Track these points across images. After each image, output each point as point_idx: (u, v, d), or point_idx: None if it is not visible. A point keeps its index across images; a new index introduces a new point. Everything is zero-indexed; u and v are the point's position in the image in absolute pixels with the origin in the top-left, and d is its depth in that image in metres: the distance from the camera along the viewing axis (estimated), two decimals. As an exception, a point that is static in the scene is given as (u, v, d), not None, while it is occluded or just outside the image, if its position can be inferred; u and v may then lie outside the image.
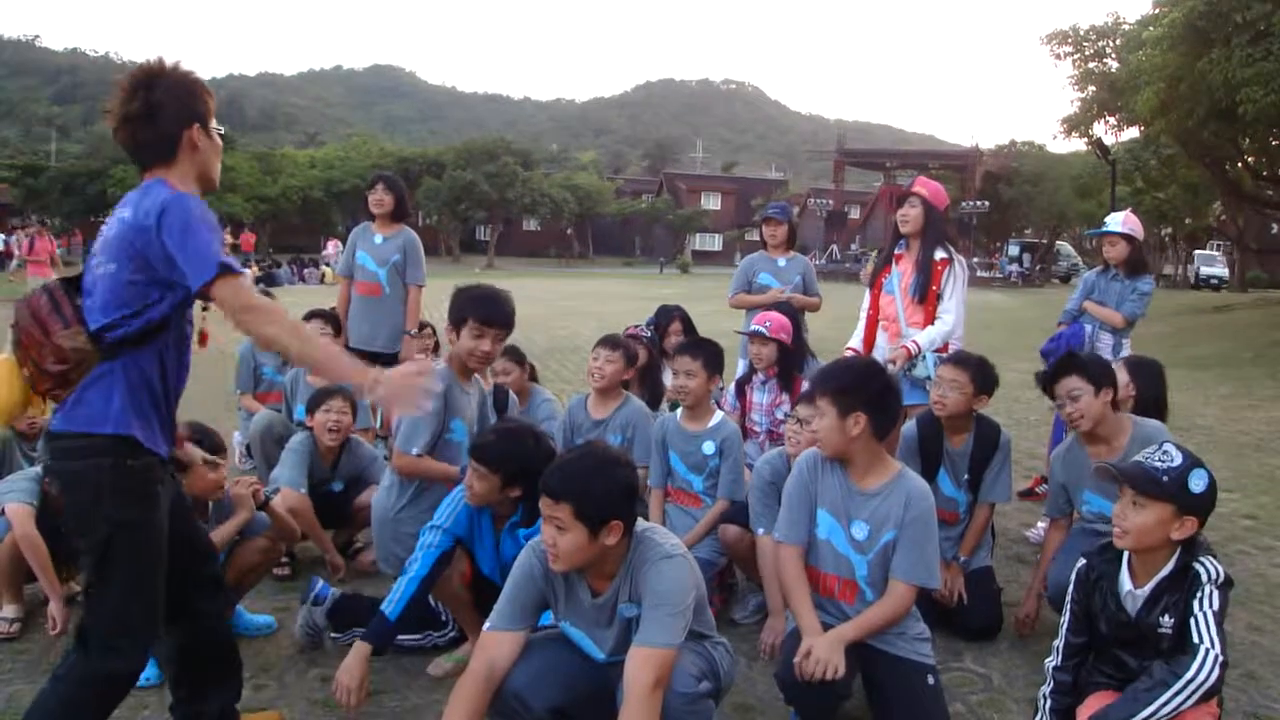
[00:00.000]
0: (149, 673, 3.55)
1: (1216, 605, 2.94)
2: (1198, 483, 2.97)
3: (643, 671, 2.76)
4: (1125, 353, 6.42)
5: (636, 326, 6.08)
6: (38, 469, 4.32)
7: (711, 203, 77.62)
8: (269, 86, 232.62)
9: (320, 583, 4.23)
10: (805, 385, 5.51)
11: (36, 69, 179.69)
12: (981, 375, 4.57)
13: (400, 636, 3.98)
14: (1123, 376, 5.17)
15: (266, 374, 7.14)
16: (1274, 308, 23.54)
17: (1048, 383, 4.42)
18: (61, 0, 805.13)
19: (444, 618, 4.17)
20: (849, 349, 5.79)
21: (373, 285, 6.67)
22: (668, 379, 6.23)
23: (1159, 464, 3.01)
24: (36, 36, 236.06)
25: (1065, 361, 4.42)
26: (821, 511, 3.48)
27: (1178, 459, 3.01)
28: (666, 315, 6.65)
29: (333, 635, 4.19)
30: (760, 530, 4.37)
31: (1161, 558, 3.03)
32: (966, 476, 4.65)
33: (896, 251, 5.68)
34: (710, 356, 4.90)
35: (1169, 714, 2.86)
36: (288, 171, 60.80)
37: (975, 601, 4.45)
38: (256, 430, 5.82)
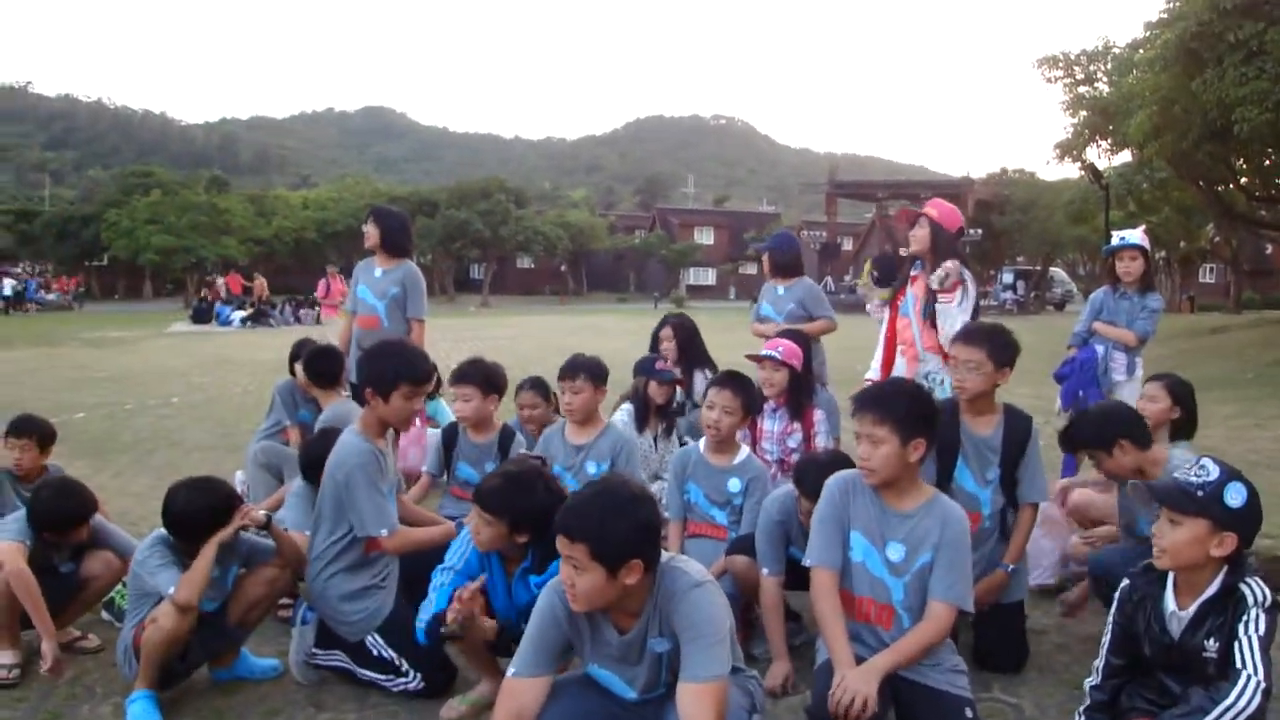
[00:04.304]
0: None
1: (1263, 629, 2.84)
2: (1235, 497, 2.88)
3: (702, 708, 2.64)
4: (1139, 372, 6.34)
5: (664, 361, 6.01)
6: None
7: (704, 237, 77.76)
8: (262, 129, 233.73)
9: (305, 605, 4.18)
10: (818, 414, 5.44)
11: (29, 115, 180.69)
12: (998, 348, 4.18)
13: (365, 671, 4.00)
14: (1164, 398, 5.01)
15: (304, 416, 6.83)
16: (1270, 328, 23.52)
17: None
18: (54, 46, 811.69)
19: (404, 667, 3.97)
20: (868, 379, 5.67)
21: (371, 318, 6.59)
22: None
23: (1194, 479, 2.92)
24: (29, 82, 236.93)
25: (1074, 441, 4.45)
26: (855, 534, 3.37)
27: (1214, 473, 2.91)
28: (662, 323, 6.76)
29: (313, 651, 4.10)
30: (765, 571, 4.17)
31: (1205, 577, 2.92)
32: (998, 471, 4.26)
33: (913, 274, 5.61)
34: (751, 399, 4.83)
35: None
36: (281, 213, 61.08)
37: (1002, 643, 4.26)
38: (248, 456, 5.97)
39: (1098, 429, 4.19)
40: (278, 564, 4.15)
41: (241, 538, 4.06)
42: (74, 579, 4.35)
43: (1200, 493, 2.88)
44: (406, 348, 4.25)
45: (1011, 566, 4.28)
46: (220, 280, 42.49)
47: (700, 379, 6.30)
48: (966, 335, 4.35)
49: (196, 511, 3.87)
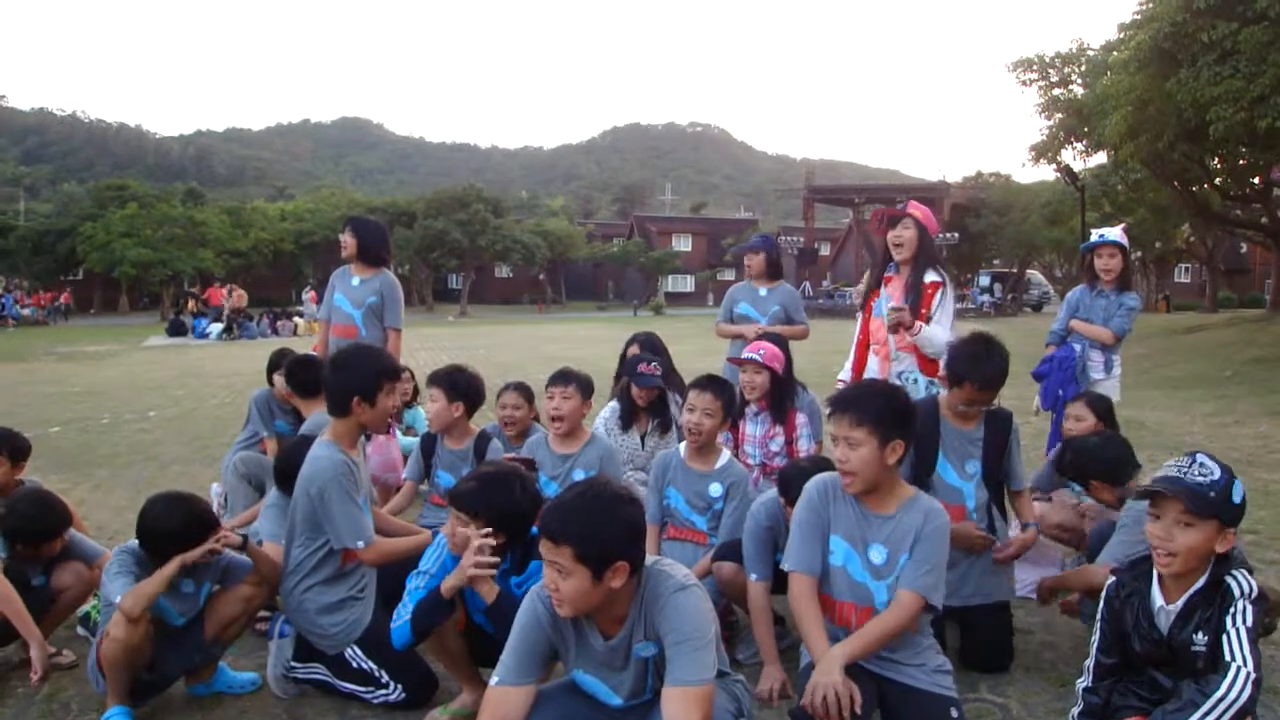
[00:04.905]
0: None
1: (1250, 621, 2.82)
2: (1239, 494, 2.87)
3: (689, 713, 2.59)
4: (1117, 370, 6.35)
5: (650, 364, 5.97)
6: None
7: (682, 244, 77.73)
8: (237, 142, 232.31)
9: (282, 619, 4.12)
10: (800, 418, 5.41)
11: (3, 129, 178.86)
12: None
13: (344, 684, 3.95)
14: (1089, 416, 5.16)
15: (280, 427, 6.74)
16: (1246, 326, 23.68)
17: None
18: (28, 59, 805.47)
19: (384, 679, 3.93)
20: (840, 382, 5.67)
21: (348, 327, 6.54)
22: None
23: (1201, 478, 2.86)
24: (3, 96, 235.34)
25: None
26: (835, 538, 3.34)
27: (1217, 472, 2.87)
28: (631, 340, 6.79)
29: (292, 664, 4.04)
30: (754, 576, 4.13)
31: (1194, 573, 2.90)
32: (979, 465, 4.29)
33: (886, 274, 5.59)
34: (730, 400, 4.82)
35: None
36: (258, 225, 60.76)
37: (987, 642, 4.25)
38: (224, 468, 5.85)
39: (1078, 464, 4.44)
40: (254, 581, 4.07)
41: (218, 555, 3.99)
42: (46, 592, 4.28)
43: (1213, 494, 2.84)
44: (367, 349, 4.24)
45: (1035, 524, 4.41)
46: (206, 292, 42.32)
47: (672, 403, 6.20)
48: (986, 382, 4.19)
49: (170, 526, 3.80)
